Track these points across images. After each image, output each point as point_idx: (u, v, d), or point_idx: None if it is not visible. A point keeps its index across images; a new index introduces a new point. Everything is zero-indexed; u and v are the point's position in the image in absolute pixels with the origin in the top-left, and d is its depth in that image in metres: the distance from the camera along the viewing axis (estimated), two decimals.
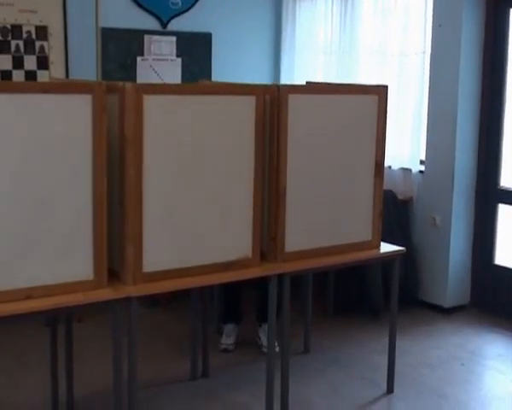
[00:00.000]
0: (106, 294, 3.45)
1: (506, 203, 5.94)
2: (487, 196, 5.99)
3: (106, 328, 3.77)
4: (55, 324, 4.19)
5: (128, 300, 3.50)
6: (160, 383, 4.63)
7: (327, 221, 4.22)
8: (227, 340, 5.21)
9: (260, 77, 6.92)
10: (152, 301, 5.77)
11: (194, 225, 3.73)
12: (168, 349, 5.16)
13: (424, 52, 6.06)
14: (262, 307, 4.98)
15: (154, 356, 4.94)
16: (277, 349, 4.35)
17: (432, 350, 5.22)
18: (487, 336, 5.52)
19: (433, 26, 5.91)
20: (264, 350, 4.76)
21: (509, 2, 5.78)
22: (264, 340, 5.00)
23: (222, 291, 5.25)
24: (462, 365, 5.02)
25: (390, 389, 4.57)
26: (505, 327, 5.67)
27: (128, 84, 3.48)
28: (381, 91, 4.36)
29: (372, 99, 4.32)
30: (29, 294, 3.28)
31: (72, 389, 4.28)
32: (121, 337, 3.53)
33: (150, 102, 3.50)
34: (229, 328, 5.25)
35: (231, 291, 5.20)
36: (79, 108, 3.34)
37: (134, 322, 3.55)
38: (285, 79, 7.07)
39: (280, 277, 4.01)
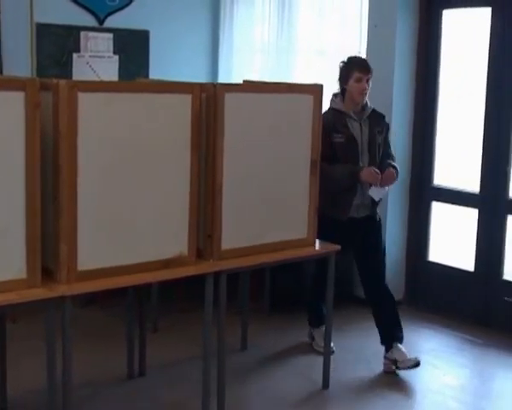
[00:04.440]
0: (39, 293, 3.41)
1: (439, 201, 6.07)
2: (421, 193, 6.11)
3: (40, 328, 3.72)
4: None
5: (62, 299, 3.46)
6: (96, 383, 4.59)
7: (263, 219, 4.24)
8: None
9: (198, 75, 6.91)
10: (88, 299, 5.72)
11: (130, 223, 3.71)
12: (104, 348, 5.11)
13: (360, 52, 6.13)
14: (387, 322, 4.99)
15: (90, 356, 4.89)
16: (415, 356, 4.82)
17: (367, 346, 5.29)
18: (421, 332, 5.62)
19: (368, 27, 5.99)
20: (409, 364, 4.81)
21: (442, 5, 5.90)
22: (403, 357, 4.85)
23: (311, 295, 5.28)
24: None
25: (326, 385, 4.63)
26: (438, 322, 5.79)
27: (62, 82, 3.45)
28: (316, 90, 4.41)
29: (308, 98, 4.36)
30: None
31: (6, 390, 4.22)
32: (55, 337, 3.49)
33: (85, 100, 3.47)
34: (322, 331, 5.03)
35: (315, 293, 5.19)
36: (12, 104, 3.29)
37: (68, 321, 3.51)
38: (223, 78, 7.07)
39: (216, 275, 4.02)
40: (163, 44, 6.77)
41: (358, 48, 6.15)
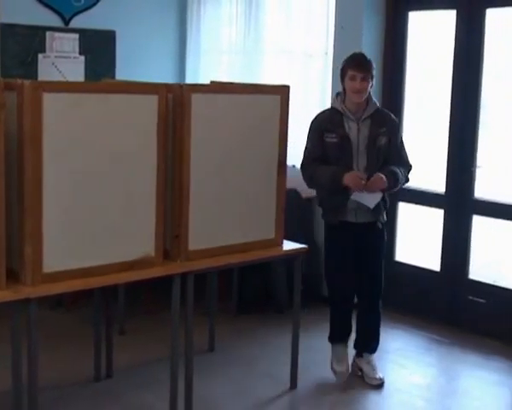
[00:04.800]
0: (4, 295, 3.38)
1: (405, 202, 6.11)
2: (388, 194, 6.13)
3: (6, 330, 3.68)
4: None
5: (27, 301, 3.43)
6: (63, 386, 4.56)
7: (231, 219, 4.24)
8: (338, 366, 4.84)
9: (165, 76, 6.90)
10: (54, 301, 5.68)
11: (96, 224, 3.68)
12: (71, 351, 5.08)
13: (327, 53, 6.17)
14: (364, 332, 4.85)
15: (57, 358, 4.86)
16: (380, 377, 4.74)
17: None
18: (388, 331, 5.65)
19: (335, 28, 6.02)
20: (372, 382, 4.70)
21: (408, 6, 5.95)
22: (369, 371, 4.76)
23: (334, 310, 4.88)
24: None
25: (293, 385, 4.64)
26: (405, 322, 5.84)
27: (26, 82, 3.42)
28: (283, 91, 4.41)
29: (274, 99, 4.37)
30: None
31: None
32: (20, 340, 3.46)
33: (50, 101, 3.45)
34: (338, 349, 4.86)
35: (346, 303, 4.86)
36: None
37: (33, 324, 3.48)
38: (190, 79, 7.06)
39: (183, 275, 4.01)
40: (129, 45, 6.74)
41: (325, 49, 6.18)
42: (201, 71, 7.07)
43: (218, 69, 6.97)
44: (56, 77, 6.26)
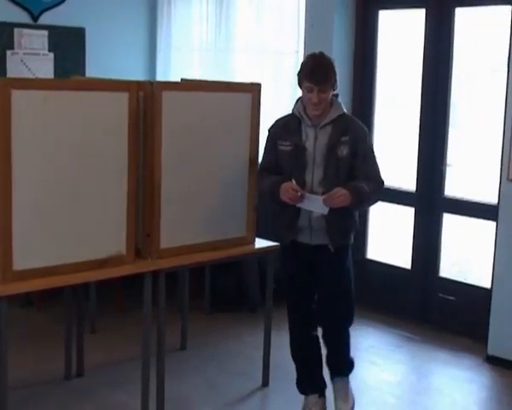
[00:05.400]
0: None
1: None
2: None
3: None
4: None
5: None
6: (33, 384, 4.52)
7: (202, 217, 4.23)
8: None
9: (136, 73, 6.85)
10: (25, 300, 5.62)
11: (66, 222, 3.66)
12: (42, 349, 5.04)
13: (297, 51, 6.17)
14: (330, 358, 4.30)
15: (27, 357, 4.82)
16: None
17: None
18: (359, 329, 5.66)
19: (305, 27, 6.03)
20: None
21: (378, 5, 5.97)
22: (338, 401, 4.29)
23: (296, 346, 4.31)
24: None
25: (265, 383, 4.64)
26: (377, 320, 5.86)
27: None
28: (254, 89, 4.41)
29: (246, 97, 4.36)
30: None
31: None
32: None
33: (19, 98, 3.42)
34: (311, 400, 4.29)
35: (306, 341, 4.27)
36: None
37: (3, 322, 3.45)
38: (161, 77, 7.03)
39: (155, 274, 3.99)
40: (99, 42, 6.69)
41: (296, 47, 6.19)
42: (172, 68, 7.04)
43: (189, 67, 6.94)
44: (25, 74, 6.20)
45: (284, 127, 4.05)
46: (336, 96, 4.03)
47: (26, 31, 6.31)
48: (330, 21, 5.90)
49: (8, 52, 6.21)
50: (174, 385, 4.46)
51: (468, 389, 4.82)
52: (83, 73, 6.51)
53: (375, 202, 4.18)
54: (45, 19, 6.43)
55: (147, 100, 3.89)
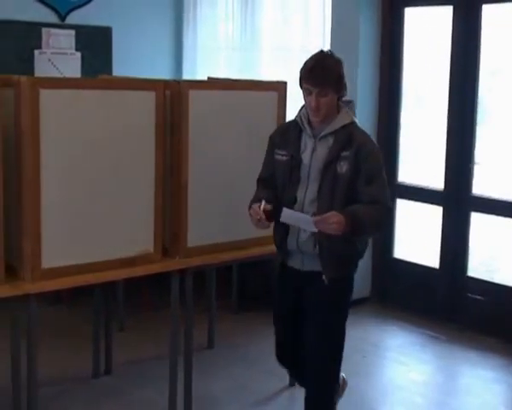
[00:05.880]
0: (3, 291, 3.37)
1: (404, 198, 6.10)
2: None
3: (4, 325, 3.67)
4: None
5: (26, 297, 3.42)
6: (62, 382, 4.55)
7: (229, 216, 4.22)
8: None
9: (162, 73, 6.87)
10: (54, 298, 5.66)
11: (95, 220, 3.67)
12: (70, 347, 5.07)
13: (323, 50, 6.14)
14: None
15: (56, 354, 4.85)
16: None
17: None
18: (388, 329, 5.65)
19: (331, 24, 6.01)
20: None
21: (404, 2, 5.93)
22: None
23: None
24: (364, 357, 5.12)
25: (292, 383, 4.62)
26: (404, 319, 5.82)
27: (23, 78, 3.41)
28: (280, 87, 4.41)
29: (272, 95, 4.36)
30: None
31: None
32: (20, 336, 3.46)
33: (47, 97, 3.44)
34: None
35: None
36: None
37: (33, 320, 3.47)
38: (187, 76, 7.04)
39: (182, 272, 4.00)
40: (126, 41, 6.73)
41: (322, 45, 6.15)
42: (198, 67, 7.05)
43: (215, 66, 6.95)
44: (53, 73, 6.25)
45: (283, 135, 3.56)
46: (347, 102, 3.50)
47: (53, 30, 6.35)
48: (356, 19, 5.88)
49: (36, 52, 6.27)
50: (201, 384, 4.46)
51: (496, 390, 4.78)
52: (109, 72, 6.54)
53: (379, 232, 3.64)
54: (72, 18, 6.48)
55: (174, 99, 3.89)
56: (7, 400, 3.61)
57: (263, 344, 5.28)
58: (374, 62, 6.00)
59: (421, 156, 6.00)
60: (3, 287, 3.38)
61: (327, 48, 5.98)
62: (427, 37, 6.00)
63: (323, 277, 3.38)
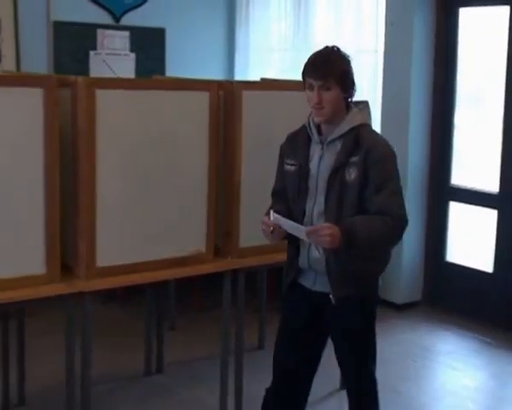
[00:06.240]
0: (58, 289, 3.41)
1: (457, 201, 6.02)
2: (439, 193, 6.06)
3: (59, 323, 3.72)
4: (7, 318, 4.13)
5: (81, 295, 3.46)
6: (114, 379, 4.60)
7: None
8: None
9: (214, 73, 6.90)
10: (107, 296, 5.72)
11: (148, 219, 3.70)
12: (122, 345, 5.12)
13: (376, 51, 6.12)
14: None
15: (108, 352, 4.90)
16: None
17: (385, 347, 5.22)
18: (439, 333, 5.58)
19: (385, 25, 5.96)
20: None
21: (459, 2, 5.86)
22: None
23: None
24: (415, 361, 5.07)
25: (343, 385, 4.59)
26: (456, 324, 5.74)
27: (80, 78, 3.45)
28: None
29: None
30: None
31: (24, 385, 4.24)
32: (74, 333, 3.49)
33: (103, 97, 3.46)
34: None
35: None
36: (31, 101, 3.30)
37: (87, 317, 3.51)
38: (239, 76, 7.06)
39: (234, 273, 4.00)
40: (179, 42, 6.79)
41: (375, 46, 6.13)
42: (251, 68, 7.06)
43: (268, 66, 6.96)
44: (107, 74, 6.33)
45: (292, 143, 3.26)
46: (359, 103, 3.24)
47: (108, 31, 6.44)
48: (410, 19, 5.83)
49: (91, 52, 6.35)
50: (252, 384, 4.44)
51: None
52: (163, 72, 6.60)
53: (388, 246, 3.19)
54: (127, 20, 6.55)
55: (227, 99, 3.90)
56: (61, 396, 3.65)
57: None
58: (428, 63, 5.93)
59: (475, 158, 5.91)
60: (59, 285, 3.42)
61: (380, 48, 6.01)
62: (482, 37, 5.91)
63: (330, 296, 3.05)
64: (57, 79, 3.45)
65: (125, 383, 4.58)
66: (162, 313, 4.77)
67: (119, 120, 3.55)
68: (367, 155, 2.99)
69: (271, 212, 3.04)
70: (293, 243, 3.13)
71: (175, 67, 6.60)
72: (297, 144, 3.20)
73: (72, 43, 6.24)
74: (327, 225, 2.90)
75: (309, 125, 3.17)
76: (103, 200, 3.51)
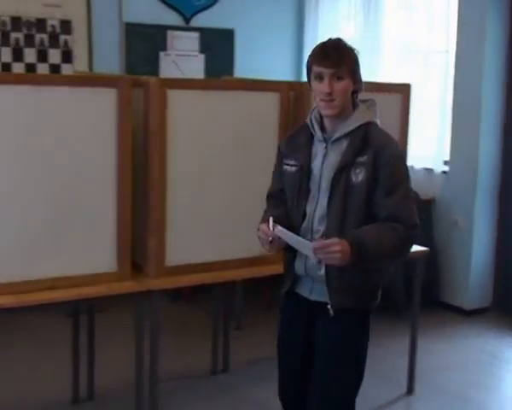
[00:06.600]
0: (128, 286, 3.47)
1: None
2: (511, 196, 5.93)
3: (128, 319, 3.77)
4: (78, 314, 4.21)
5: (150, 293, 3.50)
6: (181, 377, 4.64)
7: None
8: None
9: (283, 74, 6.91)
10: (174, 294, 5.78)
11: (218, 219, 3.73)
12: (189, 343, 5.16)
13: (447, 51, 6.03)
14: None
15: (175, 349, 4.94)
16: None
17: (452, 352, 5.18)
18: (508, 340, 5.46)
19: (457, 25, 5.87)
20: None
21: None
22: None
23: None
24: (483, 368, 4.97)
25: (410, 390, 4.54)
26: None
27: (152, 79, 3.50)
28: (404, 90, 4.34)
29: (395, 98, 4.30)
30: (52, 284, 3.30)
31: (93, 380, 4.31)
32: (143, 329, 3.54)
33: (174, 97, 3.50)
34: None
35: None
36: (104, 101, 3.36)
37: (156, 315, 3.55)
38: None
39: None
40: (248, 43, 6.82)
41: (446, 47, 6.04)
42: None
43: None
44: (176, 74, 6.39)
45: (292, 142, 3.00)
46: (366, 101, 2.95)
47: (177, 33, 6.50)
48: (483, 19, 5.72)
49: (161, 53, 6.43)
50: None
51: None
52: (231, 73, 6.63)
53: (398, 257, 2.89)
54: (197, 21, 6.61)
55: (297, 100, 3.90)
56: (129, 392, 3.70)
57: (379, 349, 5.21)
58: (500, 64, 5.82)
59: None
60: (130, 283, 3.48)
61: (451, 49, 5.92)
62: None
63: (328, 306, 2.82)
64: (130, 79, 3.50)
65: (192, 381, 4.61)
66: (229, 312, 4.79)
67: (190, 119, 3.58)
68: (377, 155, 2.76)
69: (271, 221, 2.76)
70: (292, 248, 2.83)
71: (243, 68, 6.62)
72: (297, 144, 2.96)
73: (143, 44, 6.33)
74: (336, 240, 2.65)
75: (311, 121, 2.94)
76: (174, 199, 3.55)
